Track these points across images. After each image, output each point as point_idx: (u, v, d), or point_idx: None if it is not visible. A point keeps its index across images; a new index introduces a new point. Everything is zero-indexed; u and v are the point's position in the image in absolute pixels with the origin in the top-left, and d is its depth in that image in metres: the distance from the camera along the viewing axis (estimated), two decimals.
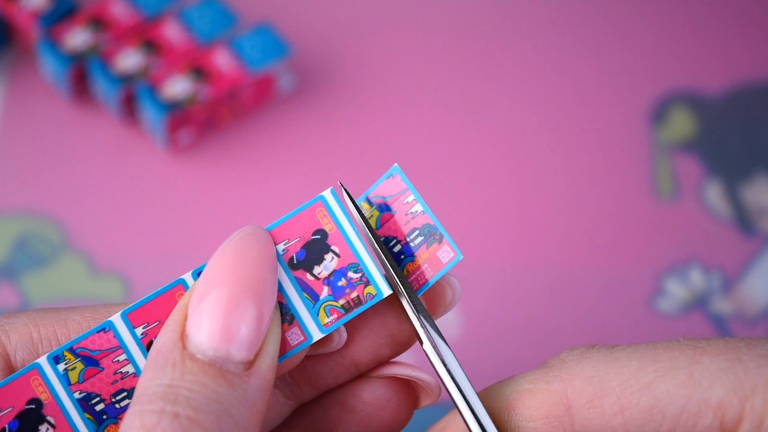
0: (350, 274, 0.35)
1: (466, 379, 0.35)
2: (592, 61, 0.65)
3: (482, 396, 0.35)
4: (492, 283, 0.58)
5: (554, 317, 0.57)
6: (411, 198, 0.36)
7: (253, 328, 0.33)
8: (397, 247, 0.36)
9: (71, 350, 0.34)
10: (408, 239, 0.36)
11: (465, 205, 0.60)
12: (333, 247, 0.35)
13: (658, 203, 0.61)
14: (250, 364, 0.33)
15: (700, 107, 0.63)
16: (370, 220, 0.36)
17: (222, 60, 0.60)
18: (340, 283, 0.35)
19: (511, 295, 0.58)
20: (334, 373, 0.37)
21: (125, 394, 0.35)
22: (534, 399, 0.34)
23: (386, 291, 0.35)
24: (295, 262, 0.35)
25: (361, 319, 0.36)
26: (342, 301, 0.35)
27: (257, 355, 0.33)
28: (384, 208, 0.36)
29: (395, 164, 0.36)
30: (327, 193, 0.35)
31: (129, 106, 0.61)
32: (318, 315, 0.35)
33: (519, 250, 0.59)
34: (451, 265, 0.35)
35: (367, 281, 0.35)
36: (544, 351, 0.56)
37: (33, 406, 0.34)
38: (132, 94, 0.60)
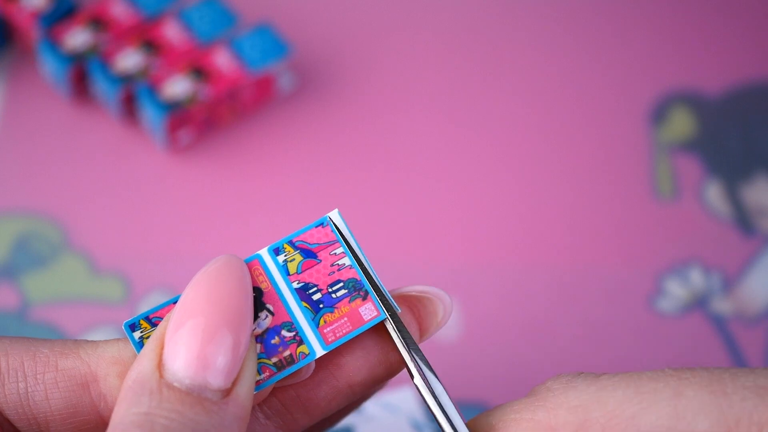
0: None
1: (456, 412, 0.35)
2: (592, 61, 0.65)
3: (468, 425, 0.35)
4: (492, 283, 0.58)
5: (554, 317, 0.57)
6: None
7: (230, 356, 0.33)
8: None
9: (291, 243, 0.36)
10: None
11: (464, 206, 0.60)
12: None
13: (658, 203, 0.61)
14: (227, 392, 0.33)
15: (700, 107, 0.63)
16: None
17: (222, 60, 0.60)
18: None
19: (510, 295, 0.58)
20: (328, 397, 0.37)
21: (341, 285, 0.36)
22: (518, 429, 0.34)
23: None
24: None
25: (355, 339, 0.36)
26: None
27: (234, 383, 0.33)
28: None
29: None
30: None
31: (129, 106, 0.61)
32: None
33: (519, 250, 0.59)
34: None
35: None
36: (544, 351, 0.56)
37: (254, 294, 0.35)
38: (132, 94, 0.60)
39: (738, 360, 0.56)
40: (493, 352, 0.56)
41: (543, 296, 0.58)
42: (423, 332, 0.37)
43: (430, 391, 0.35)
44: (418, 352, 0.35)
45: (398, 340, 0.35)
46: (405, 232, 0.59)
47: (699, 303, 0.58)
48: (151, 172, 0.60)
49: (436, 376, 0.35)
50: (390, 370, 0.37)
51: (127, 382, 0.33)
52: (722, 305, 0.58)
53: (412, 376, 0.35)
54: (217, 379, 0.32)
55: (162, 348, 0.33)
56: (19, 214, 0.59)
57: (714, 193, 0.61)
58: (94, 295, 0.57)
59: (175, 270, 0.58)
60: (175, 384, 0.32)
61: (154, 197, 0.60)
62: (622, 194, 0.61)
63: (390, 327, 0.35)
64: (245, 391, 0.33)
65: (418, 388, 0.35)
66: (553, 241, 0.59)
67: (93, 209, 0.59)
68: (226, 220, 0.59)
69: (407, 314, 0.36)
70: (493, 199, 0.60)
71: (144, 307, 0.57)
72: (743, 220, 0.60)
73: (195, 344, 0.33)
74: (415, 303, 0.37)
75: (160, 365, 0.33)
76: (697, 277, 0.58)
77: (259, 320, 0.35)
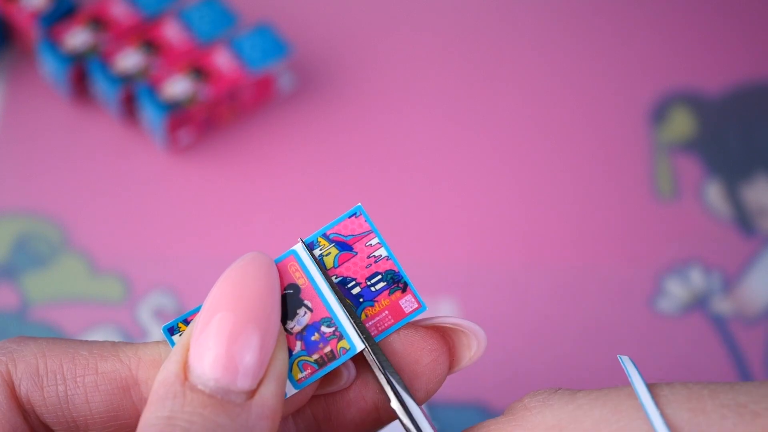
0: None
1: None
2: (592, 61, 0.65)
3: None
4: (491, 283, 0.58)
5: (554, 317, 0.57)
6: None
7: (256, 356, 0.32)
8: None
9: (325, 236, 0.35)
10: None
11: (464, 206, 0.60)
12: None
13: (658, 203, 0.61)
14: (252, 393, 0.32)
15: (700, 107, 0.63)
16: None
17: (222, 60, 0.60)
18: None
19: (510, 295, 0.58)
20: (355, 420, 0.36)
21: (379, 277, 0.35)
22: None
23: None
24: None
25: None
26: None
27: (260, 383, 0.33)
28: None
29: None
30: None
31: (129, 106, 0.61)
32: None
33: (519, 251, 0.59)
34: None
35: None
36: (544, 351, 0.56)
37: (291, 291, 0.35)
38: (132, 94, 0.60)
39: (738, 360, 0.56)
40: (493, 352, 0.56)
41: (542, 296, 0.58)
42: (454, 364, 0.36)
43: (407, 414, 0.35)
44: (395, 374, 0.35)
45: (374, 364, 0.35)
46: (405, 232, 0.59)
47: (699, 303, 0.58)
48: (151, 172, 0.60)
49: (413, 398, 0.35)
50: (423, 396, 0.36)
51: (153, 386, 0.33)
52: (722, 305, 0.58)
53: (389, 400, 0.35)
54: (242, 380, 0.32)
55: (188, 350, 0.33)
56: (19, 214, 0.59)
57: (714, 193, 0.61)
58: (94, 295, 0.57)
59: (175, 270, 0.58)
60: (200, 386, 0.32)
61: (154, 197, 0.60)
62: (622, 194, 0.61)
63: (366, 353, 0.35)
64: (271, 390, 0.33)
65: (395, 412, 0.35)
66: (552, 241, 0.59)
67: (93, 209, 0.59)
68: (226, 220, 0.59)
69: (441, 344, 0.36)
70: (494, 199, 0.60)
71: (143, 307, 0.57)
72: (743, 220, 0.60)
73: (220, 344, 0.32)
74: (449, 334, 0.36)
75: (185, 368, 0.32)
76: (697, 277, 0.58)
77: (297, 317, 0.35)
